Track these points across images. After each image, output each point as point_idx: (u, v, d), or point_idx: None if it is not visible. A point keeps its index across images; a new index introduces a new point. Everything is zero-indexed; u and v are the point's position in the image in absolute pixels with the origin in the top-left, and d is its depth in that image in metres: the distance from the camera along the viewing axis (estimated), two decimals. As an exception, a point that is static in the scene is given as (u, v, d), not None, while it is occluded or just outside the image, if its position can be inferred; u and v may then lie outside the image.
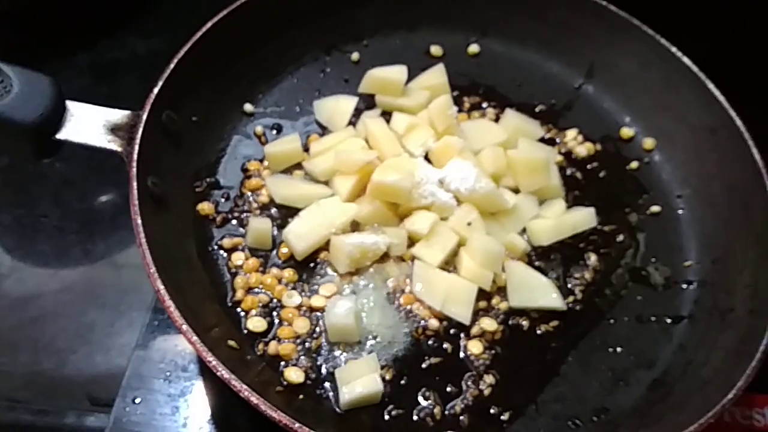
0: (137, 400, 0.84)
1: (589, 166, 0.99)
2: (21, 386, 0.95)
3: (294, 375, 0.74)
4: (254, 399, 0.61)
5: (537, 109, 1.03)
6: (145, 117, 0.78)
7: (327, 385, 0.76)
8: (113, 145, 0.76)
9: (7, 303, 1.00)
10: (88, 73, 1.26)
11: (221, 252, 0.83)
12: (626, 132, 1.02)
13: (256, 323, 0.78)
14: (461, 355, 0.79)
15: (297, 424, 0.61)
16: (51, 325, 1.00)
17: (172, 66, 0.84)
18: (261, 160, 0.92)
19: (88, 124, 0.77)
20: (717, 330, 0.81)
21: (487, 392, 0.77)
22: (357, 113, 0.98)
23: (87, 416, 0.94)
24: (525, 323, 0.83)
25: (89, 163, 1.10)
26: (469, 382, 0.78)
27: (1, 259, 1.04)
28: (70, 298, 1.04)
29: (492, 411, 0.76)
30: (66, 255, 1.08)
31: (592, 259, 0.89)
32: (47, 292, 1.04)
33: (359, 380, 0.74)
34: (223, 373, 0.63)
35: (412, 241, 0.85)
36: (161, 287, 0.67)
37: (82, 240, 1.08)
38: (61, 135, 0.76)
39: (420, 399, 0.76)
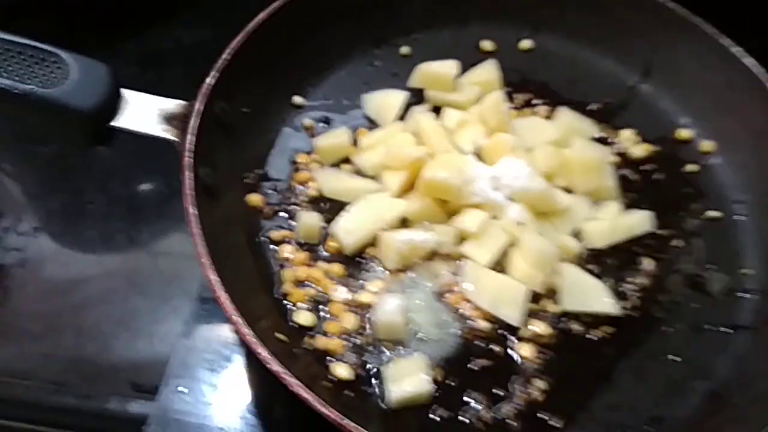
0: (181, 389, 0.84)
1: (644, 168, 0.95)
2: (64, 370, 0.96)
3: (342, 371, 0.74)
4: (304, 393, 0.61)
5: (590, 108, 1.00)
6: (199, 107, 0.78)
7: (374, 382, 0.74)
8: (167, 134, 0.76)
9: (51, 287, 1.01)
10: (135, 61, 1.26)
11: (270, 244, 0.83)
12: (684, 134, 0.99)
13: (304, 317, 0.77)
14: (510, 357, 0.78)
15: (345, 420, 0.60)
16: (94, 310, 1.01)
17: (227, 57, 0.84)
18: (310, 153, 0.91)
19: (142, 113, 0.77)
20: (777, 342, 0.78)
21: (536, 397, 0.75)
22: (406, 108, 0.97)
23: (130, 402, 0.94)
24: (578, 328, 0.80)
25: (134, 151, 1.11)
26: (518, 386, 0.76)
27: (47, 245, 1.05)
28: (114, 284, 1.04)
29: (541, 416, 0.74)
30: (111, 241, 1.08)
31: (648, 264, 0.86)
32: (91, 277, 1.05)
33: (408, 379, 0.72)
34: (274, 366, 0.62)
35: (462, 240, 0.84)
36: (213, 277, 0.66)
37: (127, 227, 1.09)
38: (116, 122, 0.76)
39: (468, 400, 0.74)
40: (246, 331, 0.63)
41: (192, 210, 0.70)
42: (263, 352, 0.63)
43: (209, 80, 0.81)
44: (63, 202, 1.13)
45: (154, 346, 0.98)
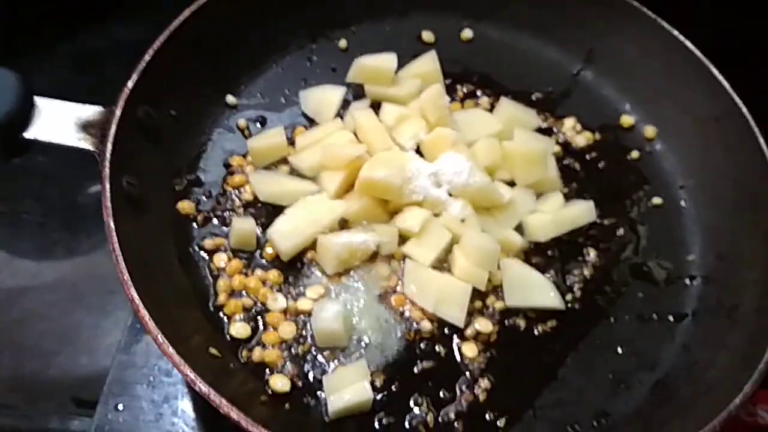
0: (120, 407, 0.82)
1: (588, 157, 0.94)
2: (4, 390, 0.93)
3: (279, 383, 0.71)
4: (234, 415, 0.58)
5: (534, 97, 0.99)
6: (119, 113, 0.74)
7: (315, 392, 0.72)
8: (85, 143, 0.72)
9: None
10: (70, 64, 1.22)
11: (203, 254, 0.80)
12: (626, 120, 0.98)
13: (239, 329, 0.74)
14: (455, 358, 0.76)
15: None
16: (35, 325, 0.98)
17: (147, 58, 0.80)
18: (244, 155, 0.88)
19: (57, 122, 0.73)
20: (722, 329, 0.78)
21: (482, 397, 0.74)
22: (346, 104, 0.94)
23: (71, 420, 0.92)
24: (522, 323, 0.79)
25: (72, 157, 1.06)
26: (464, 387, 0.74)
27: None
28: (54, 297, 1.02)
29: (488, 417, 0.73)
30: (49, 252, 1.05)
31: (592, 254, 0.85)
32: (30, 291, 1.02)
33: (348, 388, 0.70)
34: (201, 387, 0.59)
35: (403, 239, 0.81)
36: (135, 296, 0.63)
37: (66, 237, 1.06)
38: (29, 134, 0.72)
39: (412, 405, 0.73)
40: (171, 351, 0.60)
41: (111, 224, 0.66)
42: (189, 373, 0.60)
43: (129, 84, 0.76)
44: (-2, 212, 1.09)
45: (97, 360, 0.96)
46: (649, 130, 0.97)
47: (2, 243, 1.05)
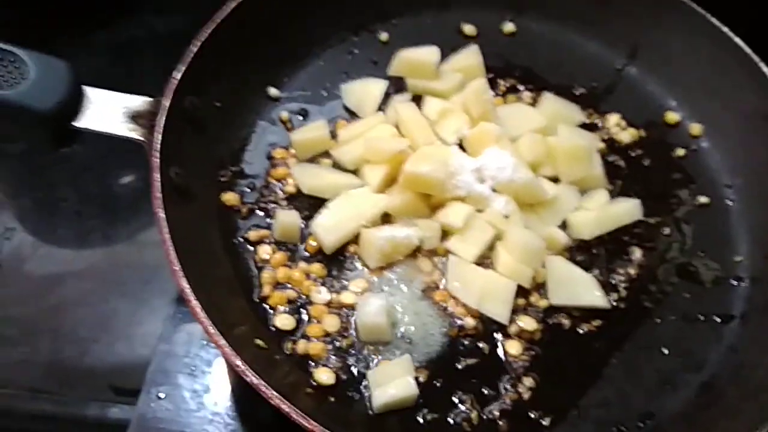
0: (161, 396, 0.82)
1: (632, 154, 0.93)
2: (42, 376, 0.94)
3: (324, 376, 0.71)
4: (285, 407, 0.58)
5: (576, 93, 0.98)
6: (167, 103, 0.75)
7: (359, 386, 0.72)
8: (134, 133, 0.73)
9: (26, 290, 0.98)
10: (105, 53, 1.22)
11: (247, 245, 0.80)
12: (672, 117, 0.96)
13: (284, 320, 0.74)
14: (499, 356, 0.75)
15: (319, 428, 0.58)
16: (72, 312, 0.99)
17: (194, 49, 0.80)
18: (287, 148, 0.88)
19: (107, 112, 0.73)
20: (771, 330, 0.76)
21: (526, 396, 0.73)
22: (387, 97, 0.93)
23: (110, 407, 0.92)
24: (566, 322, 0.78)
25: (108, 146, 1.07)
26: (508, 385, 0.74)
27: (21, 246, 1.02)
28: (91, 285, 1.02)
29: (531, 415, 0.72)
30: (86, 240, 1.06)
31: (637, 253, 0.84)
32: (67, 278, 1.02)
33: (392, 383, 0.70)
34: (252, 378, 0.59)
35: (446, 235, 0.81)
36: (186, 286, 0.63)
37: (102, 225, 1.07)
38: (79, 123, 0.72)
39: (456, 402, 0.72)
40: (222, 342, 0.60)
41: (161, 214, 0.67)
42: (240, 363, 0.60)
43: (176, 74, 0.77)
44: (35, 200, 1.10)
45: (134, 349, 0.96)
46: (695, 128, 0.95)
47: (39, 230, 1.06)
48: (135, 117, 0.74)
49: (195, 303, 0.62)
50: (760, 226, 0.86)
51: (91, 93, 0.74)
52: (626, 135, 0.94)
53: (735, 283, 0.84)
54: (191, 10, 0.98)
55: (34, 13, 1.19)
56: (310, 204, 0.83)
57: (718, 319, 0.81)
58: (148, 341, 0.89)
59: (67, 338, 0.97)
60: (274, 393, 0.59)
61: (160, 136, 0.72)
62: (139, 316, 1.00)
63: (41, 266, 1.02)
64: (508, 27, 1.02)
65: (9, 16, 1.16)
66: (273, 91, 0.92)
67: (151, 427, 0.80)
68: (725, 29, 0.91)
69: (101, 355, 0.96)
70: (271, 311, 0.76)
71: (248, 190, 0.84)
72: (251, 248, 0.80)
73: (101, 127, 0.73)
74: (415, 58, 0.92)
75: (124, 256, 1.04)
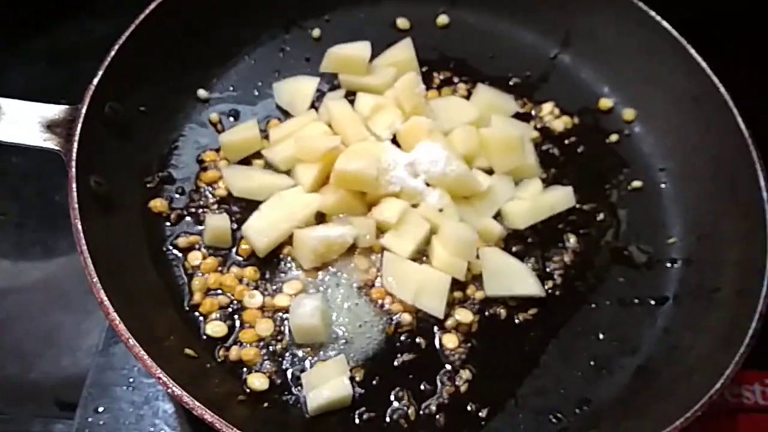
0: (100, 410, 0.80)
1: (566, 142, 0.94)
2: None
3: (257, 382, 0.70)
4: (208, 416, 0.57)
5: (511, 83, 0.98)
6: (84, 111, 0.72)
7: (294, 390, 0.71)
8: (50, 143, 0.71)
9: None
10: (45, 59, 1.19)
11: (176, 252, 0.78)
12: (605, 103, 0.97)
13: (215, 328, 0.73)
14: (436, 350, 0.75)
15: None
16: (15, 327, 0.97)
17: (112, 54, 0.78)
18: (217, 150, 0.86)
19: (21, 122, 0.71)
20: (703, 312, 0.78)
21: (463, 388, 0.73)
22: (321, 96, 0.92)
23: (54, 423, 0.91)
24: (502, 312, 0.79)
25: (47, 157, 1.05)
26: (445, 379, 0.74)
27: None
28: (34, 298, 1.01)
29: (469, 408, 0.72)
30: (26, 253, 1.04)
31: (572, 240, 0.85)
32: (10, 292, 1.01)
33: (327, 384, 0.69)
34: (174, 389, 0.58)
35: (381, 231, 0.80)
36: (104, 298, 0.62)
37: (44, 237, 1.04)
38: (-9, 135, 0.70)
39: (393, 399, 0.72)
40: (141, 353, 0.59)
41: (79, 225, 0.65)
42: (161, 375, 0.59)
43: (94, 81, 0.74)
44: (-28, 214, 1.07)
45: (80, 361, 0.95)
46: (628, 113, 0.96)
47: (-20, 244, 1.03)
48: (51, 126, 0.71)
49: (114, 316, 0.61)
50: (692, 207, 0.87)
51: (4, 103, 0.71)
52: (560, 123, 0.94)
53: (669, 265, 0.85)
54: (131, 14, 0.96)
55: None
56: (242, 207, 0.82)
57: (653, 302, 0.82)
58: (92, 354, 0.87)
59: (10, 355, 0.95)
60: (197, 403, 0.58)
61: (76, 145, 0.70)
62: (84, 327, 0.98)
63: (-21, 281, 1.00)
64: (442, 19, 1.02)
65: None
66: (202, 93, 0.90)
67: (90, 441, 0.78)
68: (653, 14, 0.92)
69: (46, 370, 0.95)
70: (202, 319, 0.74)
71: (177, 195, 0.82)
72: (181, 255, 0.78)
73: (15, 138, 0.70)
74: (347, 54, 0.91)
75: (66, 268, 1.03)
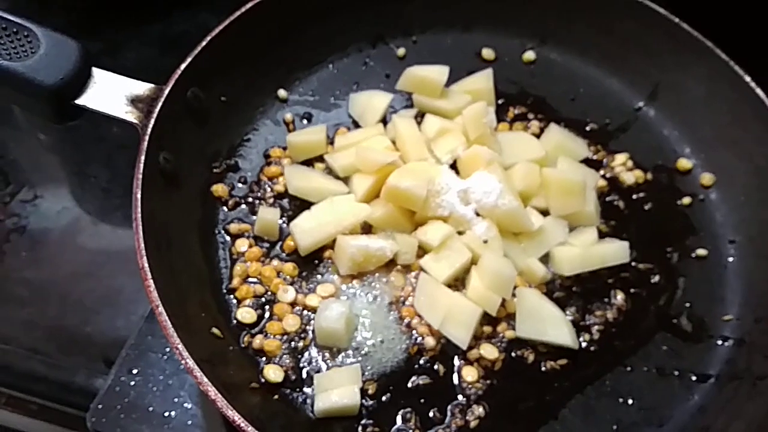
0: (134, 371, 0.84)
1: (635, 197, 0.90)
2: (43, 338, 0.98)
3: (273, 374, 0.72)
4: (212, 393, 0.59)
5: (588, 128, 0.96)
6: (167, 92, 0.78)
7: (306, 389, 0.72)
8: (130, 116, 0.76)
9: (43, 256, 1.02)
10: (157, 43, 1.27)
11: (226, 237, 0.82)
12: (684, 163, 0.93)
13: (245, 314, 0.76)
14: (453, 380, 0.74)
15: (250, 428, 0.58)
16: (81, 282, 1.02)
17: (203, 43, 0.83)
18: (285, 148, 0.90)
19: (109, 93, 0.77)
20: (744, 397, 0.72)
21: (473, 424, 0.72)
22: (393, 112, 0.94)
23: (96, 377, 0.95)
24: (530, 357, 0.77)
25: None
26: (456, 411, 0.73)
27: (45, 214, 1.07)
28: (104, 259, 1.05)
29: (475, 445, 0.71)
30: (107, 218, 1.09)
31: (619, 297, 0.81)
32: (85, 250, 1.06)
33: (337, 389, 0.70)
34: (188, 361, 0.61)
35: (423, 252, 0.81)
36: (145, 264, 0.66)
37: (126, 204, 1.10)
38: (80, 100, 0.76)
39: (399, 419, 0.72)
40: (164, 318, 0.62)
41: (138, 195, 0.70)
42: (179, 345, 0.62)
43: (182, 65, 0.80)
44: (67, 173, 1.15)
45: (132, 325, 0.99)
46: (707, 177, 0.92)
47: (67, 203, 1.10)
48: (135, 101, 0.77)
49: (150, 282, 0.65)
50: (756, 286, 0.82)
51: (98, 74, 0.78)
52: (631, 176, 0.91)
53: (719, 342, 0.80)
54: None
55: (95, 4, 1.26)
56: (295, 206, 0.85)
57: (693, 377, 0.77)
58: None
59: (72, 307, 1.00)
60: (206, 379, 0.60)
61: (153, 121, 0.75)
62: (143, 295, 1.03)
63: (61, 235, 1.07)
64: (528, 55, 1.01)
65: (70, 3, 1.23)
66: (282, 93, 0.94)
67: (118, 400, 0.82)
68: (747, 78, 0.87)
69: (101, 327, 0.99)
70: (236, 303, 0.77)
71: (239, 184, 0.86)
72: (229, 240, 0.82)
73: (101, 107, 0.76)
74: (424, 75, 0.93)
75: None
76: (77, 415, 0.92)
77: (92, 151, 1.14)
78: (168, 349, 0.85)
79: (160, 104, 0.77)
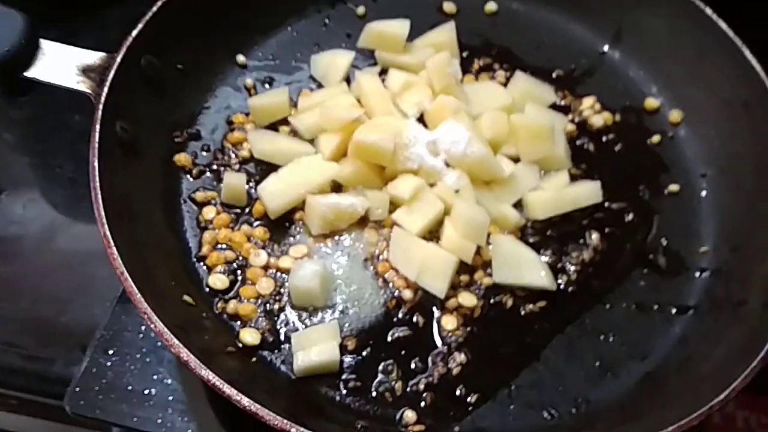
0: (110, 352, 0.83)
1: (604, 138, 0.90)
2: (17, 331, 0.96)
3: (249, 337, 0.71)
4: (184, 355, 0.58)
5: (554, 74, 0.95)
6: (119, 59, 0.75)
7: (284, 349, 0.71)
8: (82, 86, 0.74)
9: (13, 250, 1.00)
10: (117, 27, 1.24)
11: (193, 206, 0.80)
12: (651, 103, 0.92)
13: (216, 280, 0.74)
14: (433, 330, 0.74)
15: (226, 386, 0.57)
16: (54, 274, 1.00)
17: (154, 9, 0.81)
18: (248, 114, 0.88)
19: (59, 64, 0.75)
20: (725, 324, 0.73)
21: (455, 371, 0.71)
22: (356, 70, 0.92)
23: (74, 366, 0.93)
24: (509, 301, 0.76)
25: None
26: (438, 359, 0.72)
27: (12, 207, 1.04)
28: (75, 249, 1.03)
29: (458, 392, 0.70)
30: (76, 207, 1.07)
31: (594, 238, 0.81)
32: (54, 241, 1.04)
33: (316, 347, 0.69)
34: (156, 324, 0.59)
35: (394, 207, 0.80)
36: (108, 233, 0.64)
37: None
38: (29, 73, 0.73)
39: (381, 372, 0.71)
40: (131, 287, 0.61)
41: (95, 164, 0.68)
42: (147, 311, 0.60)
43: (133, 32, 0.78)
44: (32, 164, 1.12)
45: (108, 313, 0.97)
46: (675, 114, 0.91)
47: (34, 195, 1.08)
48: (86, 71, 0.75)
49: (113, 250, 0.63)
50: (730, 216, 0.82)
51: (47, 46, 0.75)
52: (599, 118, 0.91)
53: (696, 274, 0.80)
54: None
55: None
56: (262, 170, 0.83)
57: (673, 310, 0.77)
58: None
59: (46, 299, 0.98)
60: (176, 341, 0.59)
61: (106, 90, 0.73)
62: (117, 281, 1.01)
63: (28, 228, 1.05)
64: (490, 6, 1.00)
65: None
66: (240, 58, 0.92)
67: (96, 381, 0.81)
68: (708, 11, 0.87)
69: (76, 316, 0.97)
70: (206, 270, 0.76)
71: (203, 152, 0.84)
72: (196, 209, 0.80)
73: (51, 78, 0.74)
74: (384, 30, 0.91)
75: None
76: (59, 406, 0.90)
77: (55, 142, 1.12)
78: (144, 327, 0.84)
79: (112, 72, 0.74)
